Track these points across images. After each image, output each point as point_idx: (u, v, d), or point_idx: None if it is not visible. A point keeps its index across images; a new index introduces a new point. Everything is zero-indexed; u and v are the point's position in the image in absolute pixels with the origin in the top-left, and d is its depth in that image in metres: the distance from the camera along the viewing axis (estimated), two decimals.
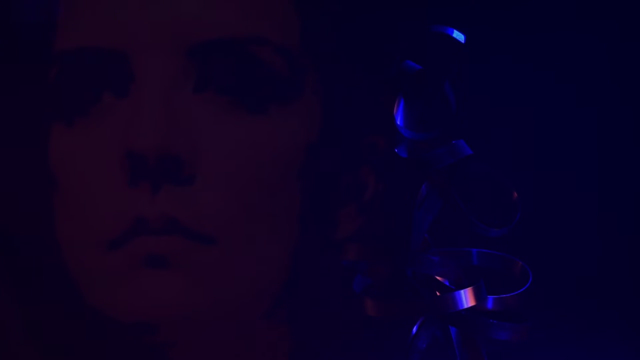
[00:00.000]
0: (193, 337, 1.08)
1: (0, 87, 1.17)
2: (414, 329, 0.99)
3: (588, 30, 1.28)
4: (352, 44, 1.10)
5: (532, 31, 1.28)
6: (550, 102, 1.30)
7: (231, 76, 1.04)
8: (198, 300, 1.06)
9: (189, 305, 1.06)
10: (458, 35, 0.95)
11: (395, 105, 0.95)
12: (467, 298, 0.94)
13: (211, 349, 1.10)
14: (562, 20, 1.29)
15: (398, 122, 0.95)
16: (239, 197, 1.05)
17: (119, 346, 1.11)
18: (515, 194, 0.97)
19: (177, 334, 1.08)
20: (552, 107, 1.30)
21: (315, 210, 1.09)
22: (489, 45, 1.22)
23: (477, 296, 0.95)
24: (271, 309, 1.11)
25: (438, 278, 0.98)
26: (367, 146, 1.11)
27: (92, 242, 1.06)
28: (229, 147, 1.04)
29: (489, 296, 0.96)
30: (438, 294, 0.97)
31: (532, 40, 1.28)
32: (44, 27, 1.08)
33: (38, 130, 1.10)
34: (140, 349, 1.10)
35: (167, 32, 1.03)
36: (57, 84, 1.07)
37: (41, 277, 1.16)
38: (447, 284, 0.98)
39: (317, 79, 1.09)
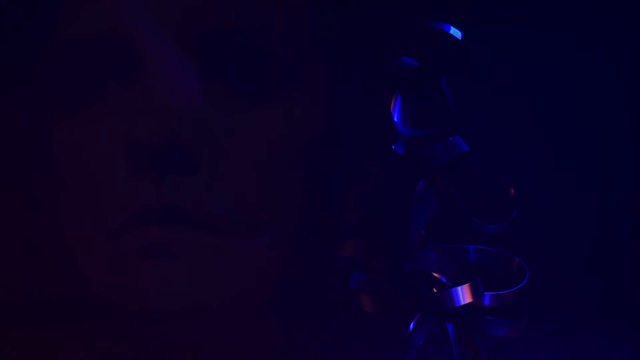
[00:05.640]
0: (195, 326, 1.09)
1: (2, 78, 1.18)
2: (411, 326, 0.99)
3: (588, 30, 1.28)
4: (354, 37, 1.11)
5: (532, 30, 1.28)
6: (550, 101, 1.30)
7: (235, 65, 1.04)
8: (201, 289, 1.07)
9: (192, 294, 1.06)
10: (455, 32, 0.96)
11: (393, 102, 0.95)
12: (464, 295, 0.94)
13: (211, 339, 1.10)
14: (562, 20, 1.29)
15: (395, 119, 0.95)
16: (242, 186, 1.06)
17: (123, 336, 1.12)
18: (512, 191, 0.97)
19: (180, 322, 1.09)
20: (551, 106, 1.30)
21: (317, 200, 1.10)
22: (489, 43, 1.22)
23: (474, 293, 0.95)
24: (271, 300, 1.11)
25: (435, 275, 0.98)
26: (368, 139, 1.12)
27: (97, 231, 1.07)
28: (233, 136, 1.05)
29: (485, 293, 0.96)
30: (435, 290, 0.97)
31: (532, 39, 1.28)
32: (48, 15, 1.08)
33: (42, 121, 1.10)
34: (144, 338, 1.10)
35: (172, 21, 1.03)
36: (61, 73, 1.07)
37: (47, 266, 1.17)
38: (444, 280, 0.98)
39: (320, 69, 1.09)
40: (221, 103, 1.05)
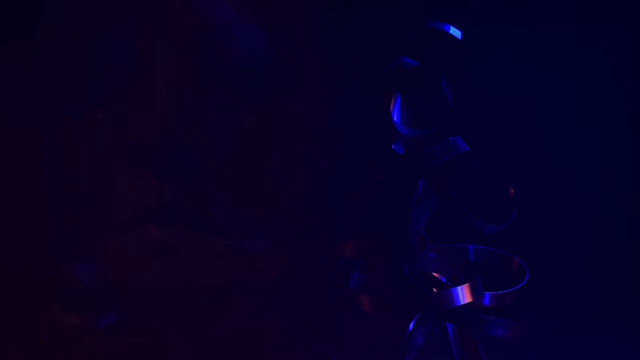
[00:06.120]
0: (195, 326, 1.10)
1: (6, 80, 1.18)
2: (411, 326, 0.99)
3: (588, 29, 1.28)
4: (354, 37, 1.11)
5: (532, 29, 1.28)
6: (550, 101, 1.30)
7: (236, 66, 1.05)
8: (201, 288, 1.07)
9: (192, 294, 1.07)
10: (455, 32, 0.95)
11: (392, 102, 0.95)
12: (463, 294, 0.94)
13: (211, 339, 1.10)
14: (562, 20, 1.29)
15: (395, 119, 0.95)
16: (242, 186, 1.07)
17: (123, 336, 1.12)
18: (512, 191, 0.97)
19: (180, 322, 1.09)
20: (551, 106, 1.30)
21: (317, 200, 1.10)
22: (490, 43, 1.22)
23: (474, 293, 0.95)
24: (271, 300, 1.12)
25: (435, 274, 0.98)
26: (368, 139, 1.12)
27: (98, 231, 1.08)
28: (233, 136, 1.06)
29: (485, 293, 0.96)
30: (435, 290, 0.97)
31: (532, 39, 1.28)
32: (49, 15, 1.08)
33: (42, 121, 1.11)
34: (144, 338, 1.11)
35: (175, 23, 1.04)
36: (64, 73, 1.07)
37: (47, 266, 1.18)
38: (444, 280, 0.98)
39: (320, 69, 1.10)
40: (221, 103, 1.05)
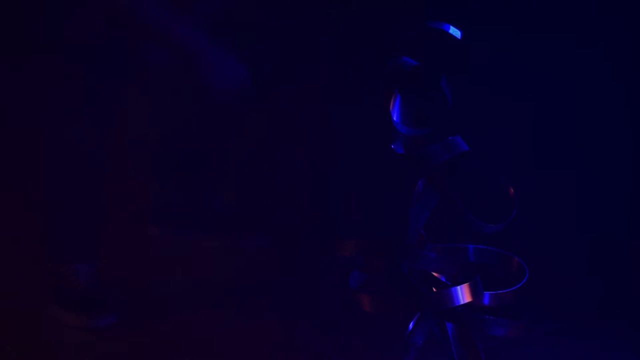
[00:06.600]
0: (195, 326, 1.10)
1: (6, 80, 1.18)
2: (411, 325, 0.99)
3: (588, 30, 1.28)
4: (354, 37, 1.12)
5: (533, 29, 1.28)
6: (550, 101, 1.30)
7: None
8: (201, 288, 1.08)
9: (192, 294, 1.07)
10: (455, 32, 0.95)
11: (392, 101, 0.95)
12: (463, 294, 0.94)
13: (212, 339, 1.11)
14: (562, 20, 1.29)
15: (394, 118, 0.95)
16: (243, 186, 1.08)
17: (123, 336, 1.12)
18: (512, 190, 0.97)
19: (180, 322, 1.10)
20: (551, 106, 1.30)
21: (317, 200, 1.11)
22: (490, 43, 1.22)
23: (474, 292, 0.95)
24: (271, 300, 1.13)
25: (434, 274, 0.98)
26: (368, 139, 1.13)
27: (97, 231, 1.08)
28: (233, 136, 1.06)
29: (485, 292, 0.96)
30: (434, 290, 0.97)
31: (532, 39, 1.28)
32: (49, 16, 1.08)
33: (42, 121, 1.11)
34: (144, 338, 1.11)
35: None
36: (63, 73, 1.07)
37: (46, 267, 1.18)
38: (444, 280, 0.98)
39: (320, 69, 1.10)
40: (221, 104, 1.05)
